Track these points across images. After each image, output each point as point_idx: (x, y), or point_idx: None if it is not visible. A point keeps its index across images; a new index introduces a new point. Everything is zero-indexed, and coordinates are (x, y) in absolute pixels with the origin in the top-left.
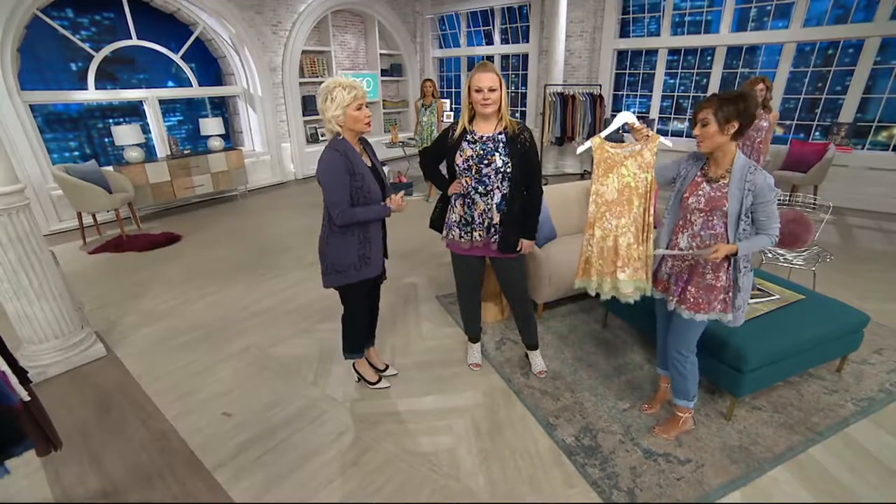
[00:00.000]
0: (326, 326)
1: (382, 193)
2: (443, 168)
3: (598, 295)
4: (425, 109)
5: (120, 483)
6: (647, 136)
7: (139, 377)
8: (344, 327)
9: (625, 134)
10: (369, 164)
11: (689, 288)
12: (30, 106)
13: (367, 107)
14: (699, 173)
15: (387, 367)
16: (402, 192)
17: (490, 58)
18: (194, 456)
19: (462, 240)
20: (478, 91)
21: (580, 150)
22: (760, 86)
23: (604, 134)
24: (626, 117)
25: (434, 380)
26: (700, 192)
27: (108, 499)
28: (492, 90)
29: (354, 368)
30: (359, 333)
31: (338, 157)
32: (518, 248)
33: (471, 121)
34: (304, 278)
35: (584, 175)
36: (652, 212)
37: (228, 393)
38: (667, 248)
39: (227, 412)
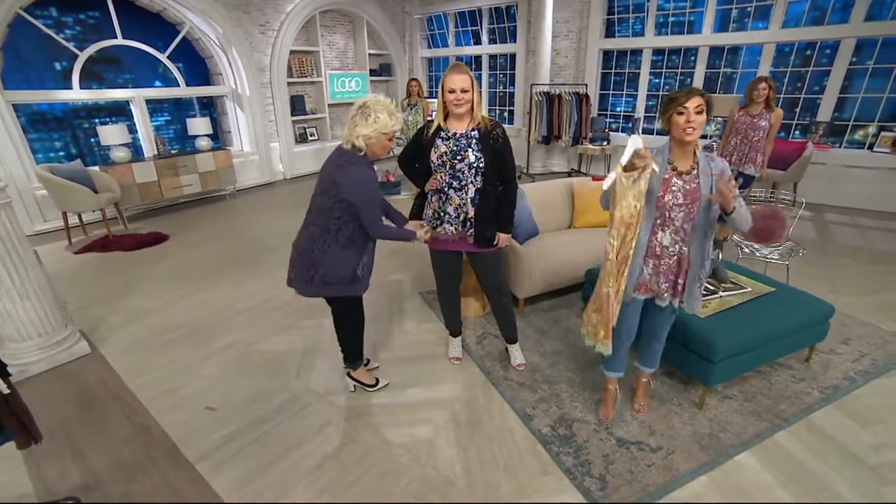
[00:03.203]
0: (311, 322)
1: None
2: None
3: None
4: (411, 109)
5: (102, 477)
6: (646, 164)
7: (123, 374)
8: (343, 339)
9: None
10: None
11: (680, 280)
12: (13, 105)
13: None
14: (667, 169)
15: (368, 361)
16: (427, 227)
17: (478, 58)
18: (177, 449)
19: (434, 233)
20: (451, 92)
21: (606, 185)
22: (762, 84)
23: (623, 160)
24: (636, 143)
25: (415, 373)
26: (675, 188)
27: (90, 492)
28: (464, 91)
29: (351, 377)
30: (357, 343)
31: (372, 175)
32: (494, 242)
33: (445, 119)
34: None
35: (571, 173)
36: (633, 245)
37: (212, 388)
38: (646, 252)
39: (211, 406)
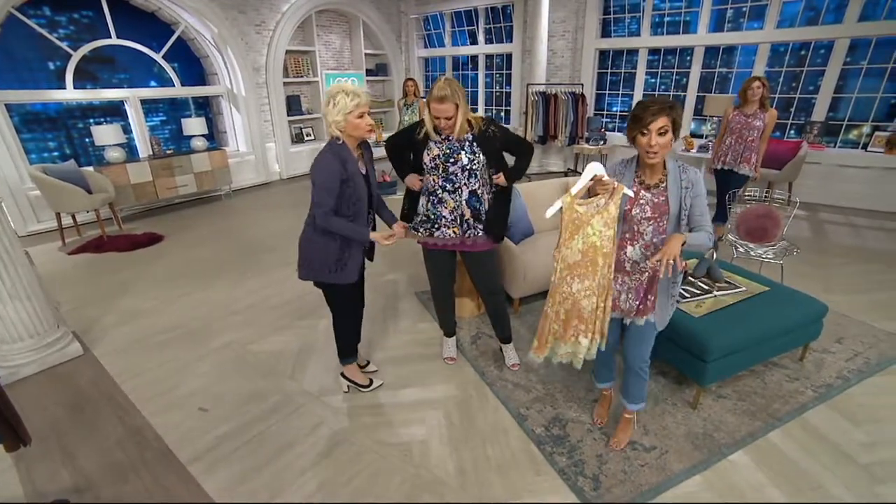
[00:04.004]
0: (305, 323)
1: (371, 200)
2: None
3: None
4: (407, 109)
5: (93, 478)
6: (613, 188)
7: (117, 375)
8: (335, 332)
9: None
10: (363, 172)
11: (650, 296)
12: (6, 105)
13: (369, 114)
14: (634, 182)
15: (367, 363)
16: (391, 233)
17: (474, 57)
18: (170, 450)
19: (432, 238)
20: (436, 118)
21: (550, 213)
22: (756, 84)
23: (574, 190)
24: (595, 169)
25: (409, 374)
26: (643, 202)
27: (82, 494)
28: (448, 118)
29: (344, 377)
30: (349, 337)
31: (333, 162)
32: (500, 237)
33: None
34: (287, 277)
35: (568, 173)
36: (611, 272)
37: (207, 389)
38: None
39: (204, 407)
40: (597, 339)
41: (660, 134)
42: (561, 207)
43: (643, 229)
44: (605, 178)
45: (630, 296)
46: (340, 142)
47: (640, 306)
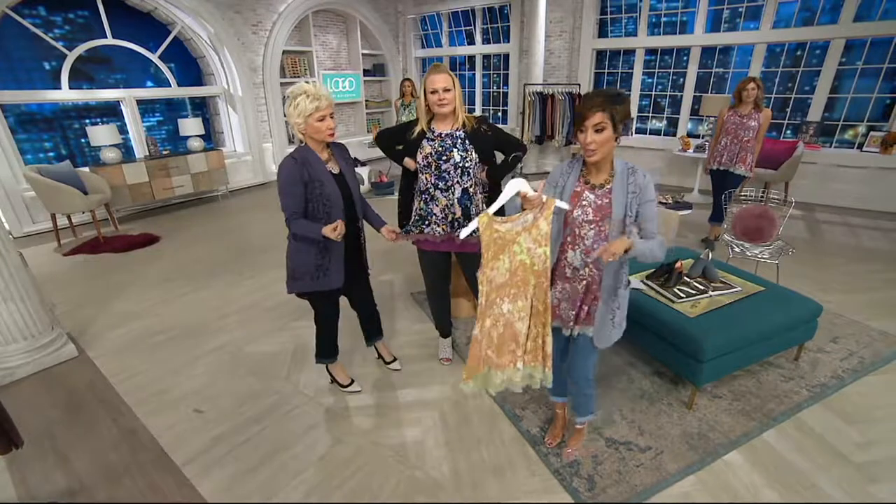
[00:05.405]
0: (301, 324)
1: (351, 201)
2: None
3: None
4: (405, 109)
5: (87, 481)
6: (542, 203)
7: (112, 377)
8: (316, 335)
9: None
10: (336, 171)
11: (584, 307)
12: (0, 105)
13: (331, 117)
14: (578, 182)
15: (394, 359)
16: (339, 222)
17: (472, 57)
18: (164, 452)
19: (422, 234)
20: (433, 92)
21: (463, 234)
22: (751, 85)
23: (492, 210)
24: (518, 186)
25: (405, 374)
26: (585, 203)
27: (75, 496)
28: (446, 90)
29: (328, 370)
30: (326, 341)
31: (292, 166)
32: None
33: (429, 122)
34: (282, 277)
35: None
36: (548, 294)
37: (202, 390)
38: (554, 270)
39: (199, 409)
40: (538, 365)
41: (596, 131)
42: (477, 228)
43: (584, 233)
44: (530, 193)
45: (567, 304)
46: (303, 144)
47: (577, 316)
